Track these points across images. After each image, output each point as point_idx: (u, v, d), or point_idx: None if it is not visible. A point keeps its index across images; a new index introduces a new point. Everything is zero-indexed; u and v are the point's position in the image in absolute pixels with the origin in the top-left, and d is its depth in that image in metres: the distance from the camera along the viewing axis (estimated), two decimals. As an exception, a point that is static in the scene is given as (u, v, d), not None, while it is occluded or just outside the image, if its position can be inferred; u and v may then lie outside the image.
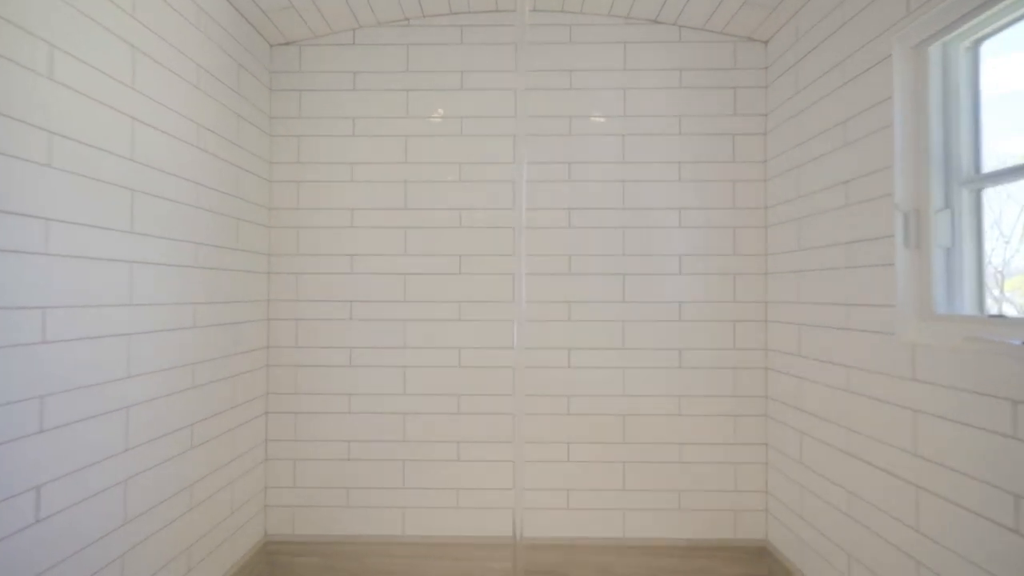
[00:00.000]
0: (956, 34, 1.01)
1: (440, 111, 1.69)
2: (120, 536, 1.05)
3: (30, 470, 0.86)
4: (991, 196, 1.04)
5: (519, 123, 1.68)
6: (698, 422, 1.66)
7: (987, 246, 1.03)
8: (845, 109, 1.27)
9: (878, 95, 1.15)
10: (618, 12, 1.67)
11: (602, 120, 1.69)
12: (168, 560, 1.20)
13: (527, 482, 1.67)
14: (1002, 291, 1.07)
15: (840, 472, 1.28)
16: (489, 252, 1.68)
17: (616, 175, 1.69)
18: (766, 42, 1.66)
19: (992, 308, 1.04)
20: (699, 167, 1.67)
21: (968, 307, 1.03)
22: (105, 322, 1.02)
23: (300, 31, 1.66)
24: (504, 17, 1.70)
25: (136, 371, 1.10)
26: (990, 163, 1.02)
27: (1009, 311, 1.05)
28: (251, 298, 1.58)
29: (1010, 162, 0.97)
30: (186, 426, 1.26)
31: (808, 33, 1.42)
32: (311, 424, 1.68)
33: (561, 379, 1.67)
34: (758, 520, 1.65)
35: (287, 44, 1.70)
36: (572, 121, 1.69)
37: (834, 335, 1.31)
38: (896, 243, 1.09)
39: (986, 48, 1.02)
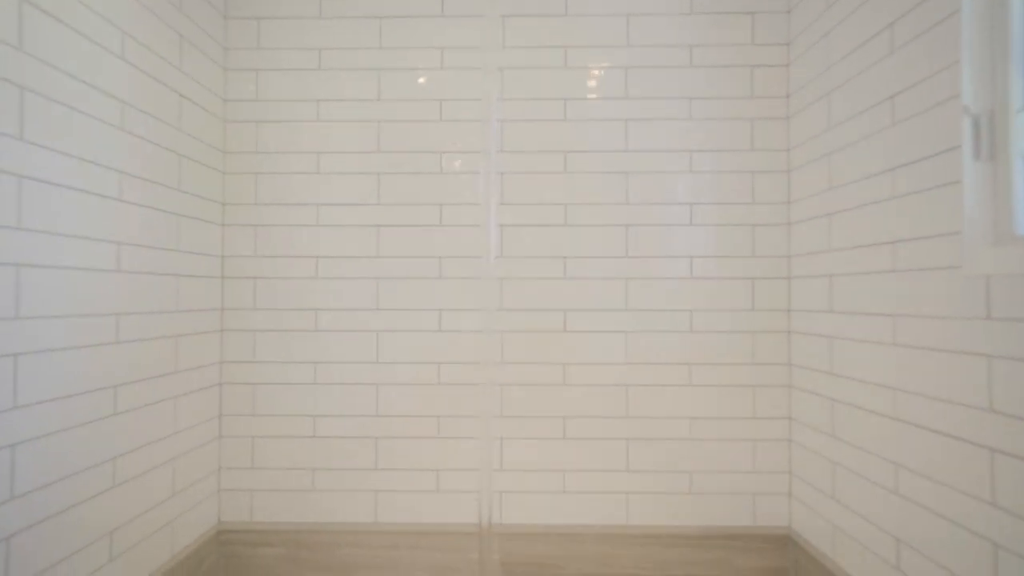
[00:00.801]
0: None
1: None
2: (5, 513, 0.85)
3: None
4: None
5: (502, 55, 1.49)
6: (712, 393, 1.46)
7: (1077, 155, 0.84)
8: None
9: (935, -16, 0.95)
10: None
11: (600, 49, 1.49)
12: (81, 546, 0.99)
13: (515, 463, 1.47)
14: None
15: (885, 442, 1.08)
16: (468, 201, 1.49)
17: (619, 112, 1.49)
18: (788, -36, 1.47)
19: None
20: (712, 104, 1.48)
21: (1055, 229, 0.83)
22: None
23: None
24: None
25: (28, 313, 0.90)
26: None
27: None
28: (201, 250, 1.38)
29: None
30: (108, 387, 1.06)
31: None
32: (272, 397, 1.48)
33: (556, 345, 1.47)
34: (780, 505, 1.45)
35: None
36: (567, 53, 1.49)
37: (875, 281, 1.11)
38: (963, 155, 0.89)
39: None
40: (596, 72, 1.49)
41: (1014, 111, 0.85)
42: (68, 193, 0.96)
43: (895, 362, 1.05)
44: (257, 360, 1.48)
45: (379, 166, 1.49)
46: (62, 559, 0.95)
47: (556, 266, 1.47)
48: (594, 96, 1.48)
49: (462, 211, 1.48)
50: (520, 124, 1.49)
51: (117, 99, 1.09)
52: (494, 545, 1.45)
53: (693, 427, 1.46)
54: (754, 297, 1.46)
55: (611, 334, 1.47)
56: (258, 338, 1.48)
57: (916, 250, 1.00)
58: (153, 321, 1.20)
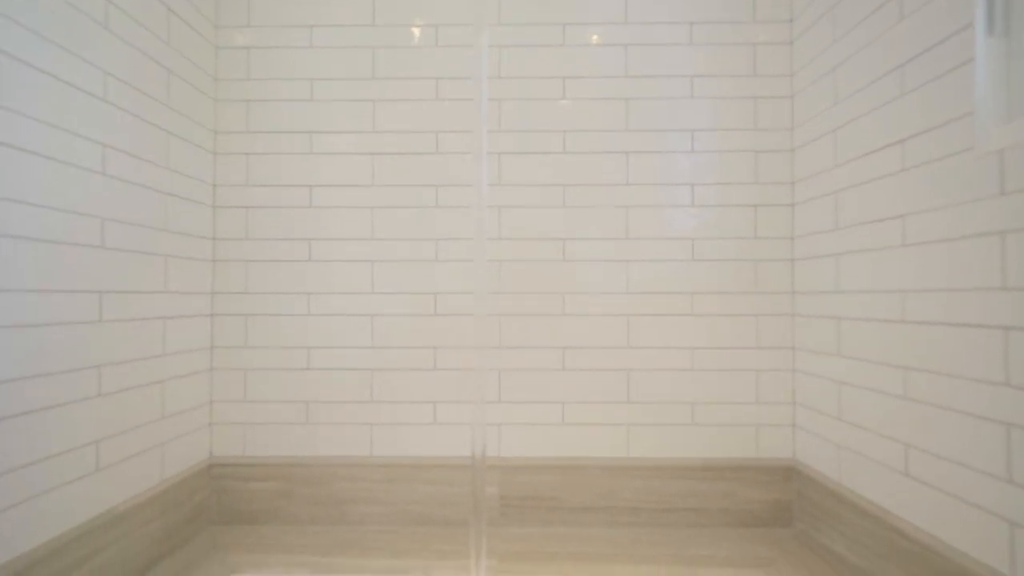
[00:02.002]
0: None
1: None
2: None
3: None
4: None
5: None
6: (714, 323, 1.43)
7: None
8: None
9: None
10: None
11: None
12: (66, 448, 0.96)
13: (514, 394, 1.44)
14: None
15: (894, 349, 1.05)
16: (462, 127, 1.45)
17: (619, 37, 1.45)
18: None
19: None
20: (713, 28, 1.44)
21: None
22: None
23: None
24: None
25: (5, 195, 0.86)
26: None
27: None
28: (193, 175, 1.34)
29: None
30: (93, 292, 1.03)
31: None
32: (264, 328, 1.44)
33: (555, 275, 1.44)
34: (784, 436, 1.42)
35: None
36: (567, -20, 1.46)
37: (883, 186, 1.08)
38: (976, 33, 0.86)
39: None
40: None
41: (1029, -21, 0.82)
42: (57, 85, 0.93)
43: (905, 264, 1.03)
44: (249, 291, 1.44)
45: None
46: (47, 457, 0.92)
47: (555, 194, 1.44)
48: (593, 21, 1.45)
49: (463, 139, 1.45)
50: (514, 49, 1.45)
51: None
52: (491, 478, 1.42)
53: (695, 358, 1.43)
54: (756, 225, 1.43)
55: (611, 263, 1.44)
56: (249, 269, 1.45)
57: (926, 142, 0.98)
58: (140, 233, 1.16)
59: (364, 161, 1.45)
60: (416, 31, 1.46)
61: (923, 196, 0.98)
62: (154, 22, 1.21)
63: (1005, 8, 0.84)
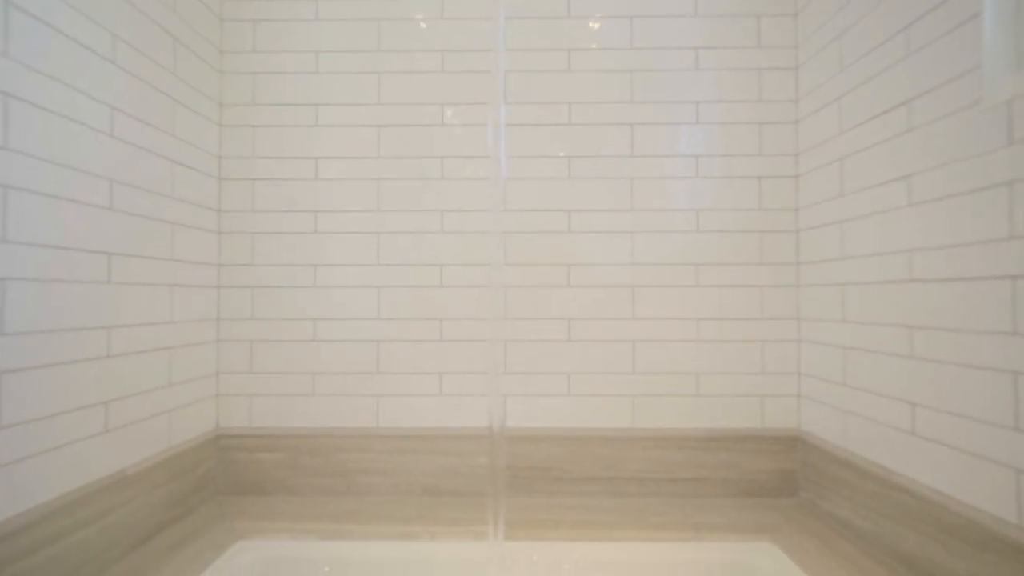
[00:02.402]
0: None
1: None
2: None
3: None
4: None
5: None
6: (719, 294, 1.43)
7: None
8: None
9: None
10: None
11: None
12: (76, 407, 0.96)
13: (520, 365, 1.44)
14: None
15: (900, 309, 1.06)
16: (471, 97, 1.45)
17: (624, 9, 1.46)
18: None
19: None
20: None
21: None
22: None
23: None
24: None
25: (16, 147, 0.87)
26: None
27: None
28: (198, 144, 1.35)
29: None
30: (102, 252, 1.03)
31: None
32: (270, 300, 1.45)
33: (560, 246, 1.44)
34: (789, 407, 1.43)
35: None
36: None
37: (888, 148, 1.08)
38: (982, -15, 0.87)
39: None
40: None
41: (1036, -70, 0.82)
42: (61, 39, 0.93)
43: (911, 223, 1.03)
44: (255, 263, 1.45)
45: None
46: (56, 414, 0.92)
47: (560, 166, 1.45)
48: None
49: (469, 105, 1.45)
50: (518, 21, 1.46)
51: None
52: (499, 448, 1.42)
53: (700, 329, 1.43)
54: (761, 196, 1.43)
55: (616, 235, 1.44)
56: (256, 241, 1.45)
57: (932, 101, 0.98)
58: (147, 198, 1.17)
59: (370, 133, 1.45)
60: (422, 3, 1.46)
61: (930, 154, 0.99)
62: None
63: (1012, -40, 0.85)
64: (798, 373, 1.42)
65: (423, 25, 1.46)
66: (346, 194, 1.45)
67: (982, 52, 0.87)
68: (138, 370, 1.13)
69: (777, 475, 1.41)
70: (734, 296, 1.43)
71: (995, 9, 0.86)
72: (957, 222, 0.93)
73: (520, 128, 1.45)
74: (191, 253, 1.32)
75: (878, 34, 1.12)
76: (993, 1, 0.86)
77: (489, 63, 1.46)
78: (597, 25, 1.46)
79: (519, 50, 1.46)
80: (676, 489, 1.41)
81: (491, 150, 1.45)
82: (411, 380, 1.44)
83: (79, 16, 0.98)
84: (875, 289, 1.13)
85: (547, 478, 1.42)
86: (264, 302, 1.45)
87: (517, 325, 1.44)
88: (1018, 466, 0.81)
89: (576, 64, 1.45)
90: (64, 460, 0.94)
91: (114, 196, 1.06)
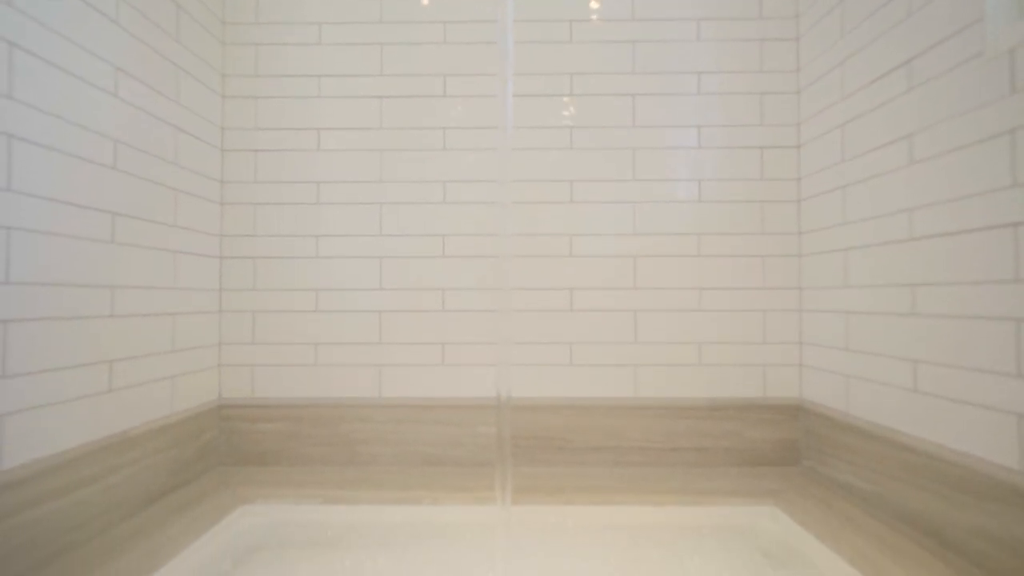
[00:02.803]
0: None
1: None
2: (2, 293, 0.82)
3: None
4: None
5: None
6: (721, 264, 1.44)
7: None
8: None
9: None
10: None
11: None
12: (81, 362, 0.97)
13: (523, 335, 1.44)
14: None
15: (901, 268, 1.06)
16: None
17: (625, -19, 1.46)
18: None
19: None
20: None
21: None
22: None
23: None
24: None
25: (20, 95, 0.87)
26: None
27: None
28: (200, 113, 1.35)
29: None
30: (106, 212, 1.03)
31: None
32: (272, 270, 1.45)
33: (561, 216, 1.44)
34: (791, 376, 1.43)
35: None
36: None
37: (889, 109, 1.09)
38: (983, -63, 0.87)
39: None
40: (602, -57, 1.46)
41: None
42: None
43: (912, 182, 1.03)
44: (257, 234, 1.45)
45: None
46: (61, 367, 0.92)
47: (562, 136, 1.45)
48: (600, -33, 1.46)
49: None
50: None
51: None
52: (505, 417, 1.42)
53: (702, 298, 1.43)
54: (762, 166, 1.44)
55: (618, 204, 1.44)
56: (257, 212, 1.45)
57: (932, 58, 0.98)
58: (151, 162, 1.17)
59: (372, 104, 1.46)
60: (423, -24, 1.47)
61: (931, 112, 0.99)
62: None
63: (1013, -89, 0.85)
64: (800, 343, 1.43)
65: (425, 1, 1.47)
66: (348, 165, 1.45)
67: (985, 3, 0.87)
68: (141, 333, 1.14)
69: (779, 444, 1.41)
70: (736, 266, 1.43)
71: (996, -40, 0.86)
72: (958, 176, 0.93)
73: (522, 99, 1.45)
74: (193, 221, 1.32)
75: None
76: (994, -48, 0.86)
77: (493, 34, 1.46)
78: (597, 4, 1.46)
79: (521, 21, 1.46)
80: (678, 458, 1.41)
81: (496, 120, 1.45)
82: (413, 350, 1.44)
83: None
84: (877, 251, 1.13)
85: (549, 448, 1.42)
86: (266, 273, 1.45)
87: (519, 295, 1.44)
88: (1020, 411, 0.81)
89: (578, 35, 1.46)
90: (69, 415, 0.94)
91: (118, 156, 1.06)
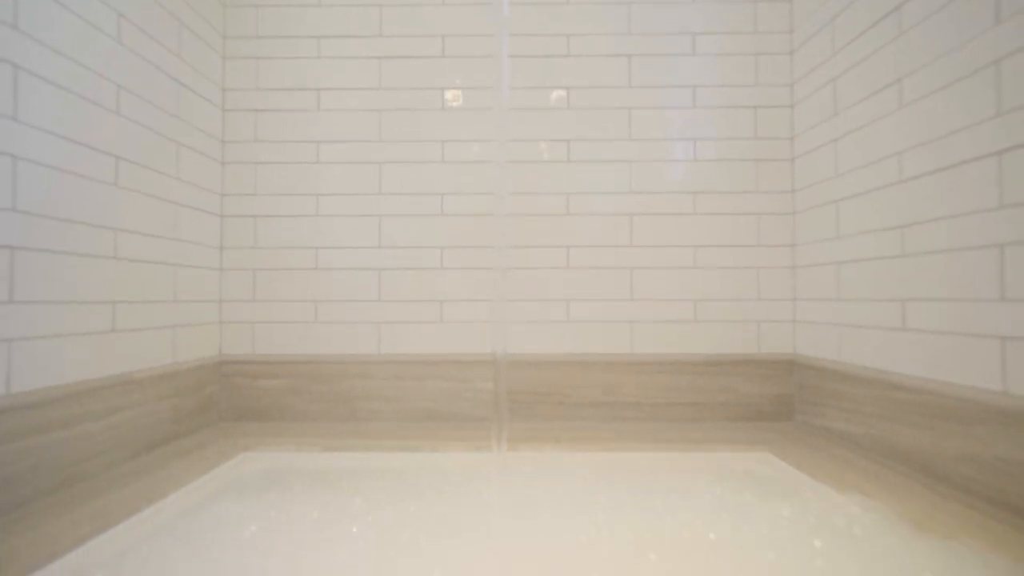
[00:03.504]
0: None
1: None
2: (10, 221, 0.83)
3: None
4: None
5: None
6: (716, 222, 1.46)
7: None
8: None
9: None
10: None
11: None
12: (84, 300, 0.98)
13: (521, 292, 1.46)
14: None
15: (891, 212, 1.08)
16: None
17: (621, -57, 1.48)
18: None
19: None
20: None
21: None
22: None
23: None
24: None
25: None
26: None
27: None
28: (200, 70, 1.36)
29: None
30: (110, 155, 1.05)
31: None
32: (272, 229, 1.47)
33: (559, 175, 1.46)
34: (785, 332, 1.45)
35: None
36: None
37: (880, 57, 1.10)
38: None
39: None
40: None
41: None
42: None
43: (900, 124, 1.05)
44: (258, 193, 1.47)
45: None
46: (68, 301, 0.94)
47: (559, 96, 1.47)
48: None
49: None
50: (522, -45, 1.48)
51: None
52: (502, 372, 1.44)
53: (697, 255, 1.45)
54: (756, 125, 1.46)
55: (614, 163, 1.46)
56: (258, 171, 1.47)
57: (919, 3, 1.00)
58: (154, 112, 1.18)
59: (371, 65, 1.47)
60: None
61: (919, 53, 1.01)
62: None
63: None
64: (793, 299, 1.45)
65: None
66: (348, 125, 1.47)
67: (970, -59, 0.89)
68: (144, 278, 1.15)
69: (774, 399, 1.43)
70: (731, 224, 1.46)
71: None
72: (945, 114, 0.95)
73: (518, 60, 1.47)
74: (195, 176, 1.34)
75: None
76: None
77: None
78: (595, -40, 1.48)
79: (518, -16, 1.48)
80: (674, 413, 1.44)
81: (493, 81, 1.47)
82: (412, 308, 1.46)
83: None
84: (867, 199, 1.15)
85: (546, 403, 1.44)
86: (266, 231, 1.46)
87: (516, 253, 1.46)
88: (1003, 334, 0.83)
89: (574, -3, 1.48)
90: (75, 350, 0.96)
91: (120, 101, 1.08)
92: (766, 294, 1.45)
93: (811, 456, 1.13)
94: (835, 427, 1.26)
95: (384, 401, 1.44)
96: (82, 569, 0.69)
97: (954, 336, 0.93)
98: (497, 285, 1.45)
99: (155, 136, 1.19)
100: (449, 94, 1.47)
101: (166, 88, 1.23)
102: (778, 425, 1.40)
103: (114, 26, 1.06)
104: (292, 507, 0.83)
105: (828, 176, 1.29)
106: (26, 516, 0.82)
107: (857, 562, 0.65)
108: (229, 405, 1.44)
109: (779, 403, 1.43)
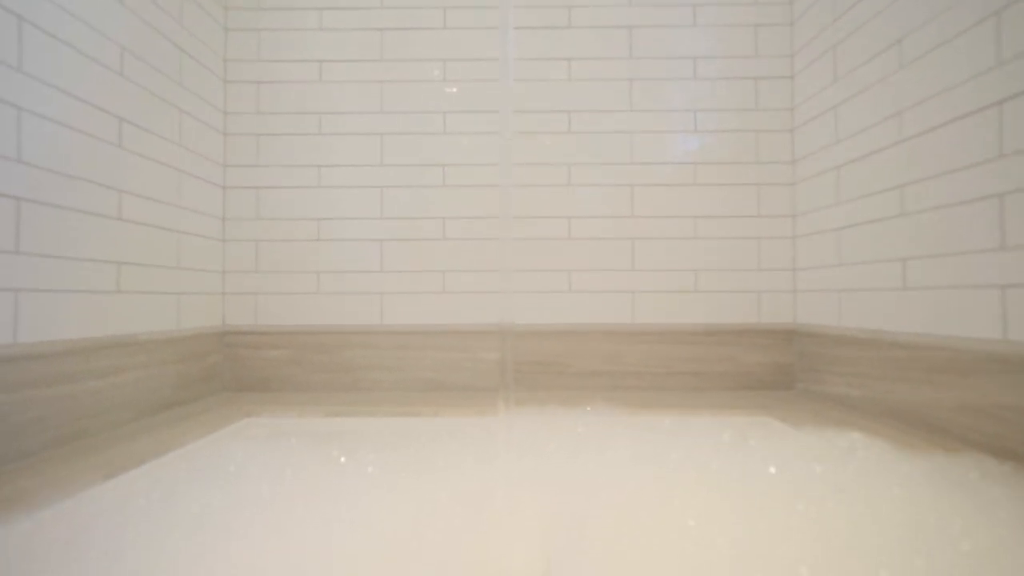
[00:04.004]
0: None
1: None
2: (15, 172, 0.84)
3: None
4: None
5: None
6: (716, 192, 1.46)
7: None
8: None
9: None
10: None
11: None
12: (89, 256, 0.99)
13: (522, 262, 1.47)
14: None
15: (891, 172, 1.08)
16: None
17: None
18: None
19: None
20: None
21: None
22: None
23: None
24: None
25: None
26: None
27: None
28: (202, 39, 1.37)
29: None
30: (112, 114, 1.05)
31: None
32: (275, 200, 1.47)
33: (560, 146, 1.47)
34: (785, 302, 1.46)
35: None
36: None
37: (881, 21, 1.11)
38: None
39: None
40: None
41: None
42: None
43: (902, 84, 1.06)
44: (260, 164, 1.47)
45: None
46: (74, 258, 0.95)
47: (560, 68, 1.47)
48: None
49: None
50: (523, -73, 1.48)
51: None
52: (499, 344, 1.45)
53: (698, 226, 1.46)
54: (757, 96, 1.46)
55: (616, 134, 1.47)
56: (260, 142, 1.47)
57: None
58: (156, 77, 1.18)
59: (373, 37, 1.48)
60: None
61: (919, 9, 1.01)
62: None
63: None
64: (794, 269, 1.46)
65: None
66: (350, 96, 1.47)
67: None
68: (147, 242, 1.16)
69: (774, 368, 1.44)
70: (731, 194, 1.46)
71: None
72: (947, 71, 0.95)
73: (521, 32, 1.48)
74: (198, 145, 1.34)
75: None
76: None
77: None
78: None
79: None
80: (675, 382, 1.44)
81: (496, 52, 1.47)
82: (414, 278, 1.47)
83: None
84: (866, 162, 1.16)
85: (548, 372, 1.45)
86: (269, 202, 1.47)
87: (517, 224, 1.47)
88: (1003, 282, 0.84)
89: (575, -30, 1.48)
90: (80, 306, 0.96)
91: (124, 63, 1.08)
92: (767, 264, 1.46)
93: (810, 418, 1.14)
94: (835, 392, 1.27)
95: (386, 371, 1.45)
96: (91, 507, 0.70)
97: (954, 290, 0.94)
98: (503, 255, 1.45)
99: (159, 101, 1.19)
100: (451, 66, 1.47)
101: (169, 53, 1.23)
102: (778, 393, 1.40)
103: (117, -13, 1.07)
104: (299, 454, 0.84)
105: (829, 143, 1.30)
106: (33, 464, 0.83)
107: (856, 474, 0.66)
108: (232, 375, 1.44)
109: (779, 372, 1.44)
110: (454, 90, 1.47)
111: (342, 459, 0.79)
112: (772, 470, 0.66)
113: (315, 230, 1.47)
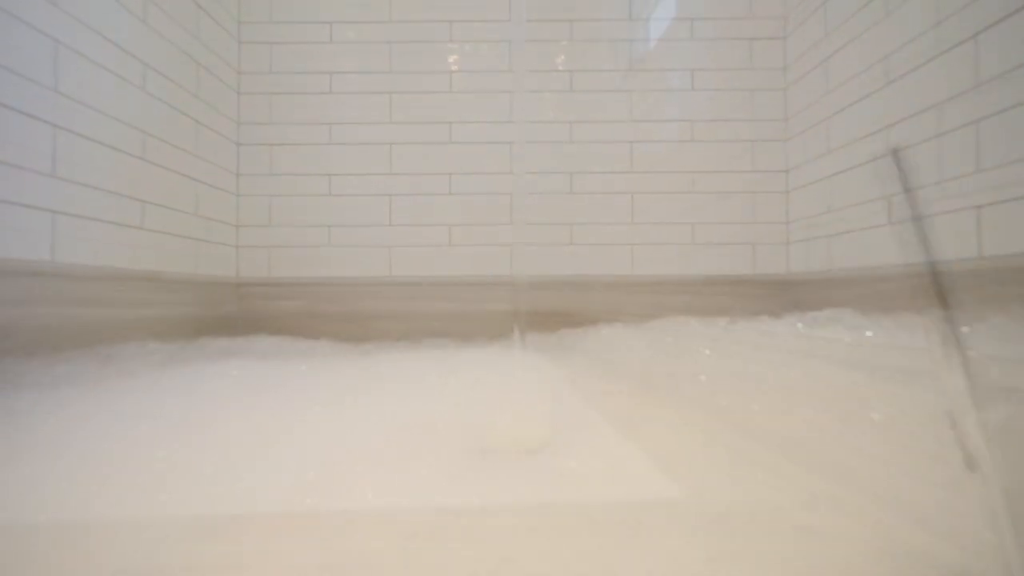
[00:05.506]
0: None
1: None
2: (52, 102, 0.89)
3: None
4: None
5: None
6: (712, 149, 1.52)
7: None
8: None
9: None
10: None
11: None
12: (116, 189, 1.04)
13: (524, 216, 1.52)
14: None
15: (879, 111, 1.14)
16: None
17: None
18: None
19: None
20: None
21: None
22: None
23: None
24: None
25: None
26: None
27: None
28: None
29: None
30: (137, 59, 1.10)
31: None
32: (287, 157, 1.52)
33: (560, 104, 1.52)
34: (779, 253, 1.51)
35: None
36: None
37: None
38: None
39: None
40: None
41: None
42: None
43: (890, 30, 1.12)
44: (273, 122, 1.52)
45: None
46: (103, 189, 1.00)
47: (562, 29, 1.53)
48: None
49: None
50: None
51: None
52: (506, 295, 1.50)
53: (695, 181, 1.52)
54: (752, 57, 1.52)
55: (615, 94, 1.52)
56: (273, 99, 1.52)
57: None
58: (178, 29, 1.23)
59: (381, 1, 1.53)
60: None
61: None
62: None
63: None
64: (787, 222, 1.51)
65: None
66: (359, 57, 1.52)
67: None
68: (169, 186, 1.21)
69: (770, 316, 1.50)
70: (727, 150, 1.52)
71: None
72: (936, 11, 1.01)
73: (524, -4, 1.53)
74: (213, 99, 1.39)
75: None
76: None
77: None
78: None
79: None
80: (673, 331, 1.50)
81: (502, 14, 1.53)
82: (422, 232, 1.52)
83: None
84: (857, 108, 1.22)
85: (550, 322, 1.50)
86: (281, 159, 1.52)
87: (521, 180, 1.52)
88: (979, 203, 0.90)
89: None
90: (109, 234, 1.02)
91: (148, 12, 1.14)
92: (761, 217, 1.51)
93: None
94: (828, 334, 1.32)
95: (395, 320, 1.50)
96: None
97: (938, 216, 1.00)
98: (513, 208, 1.51)
99: (178, 51, 1.24)
100: (456, 27, 1.53)
101: (186, 7, 1.28)
102: (773, 340, 1.46)
103: (141, -62, 1.12)
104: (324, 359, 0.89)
105: (819, 95, 1.36)
106: (64, 361, 0.88)
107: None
108: (247, 326, 1.49)
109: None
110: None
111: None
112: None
113: (326, 185, 1.52)
